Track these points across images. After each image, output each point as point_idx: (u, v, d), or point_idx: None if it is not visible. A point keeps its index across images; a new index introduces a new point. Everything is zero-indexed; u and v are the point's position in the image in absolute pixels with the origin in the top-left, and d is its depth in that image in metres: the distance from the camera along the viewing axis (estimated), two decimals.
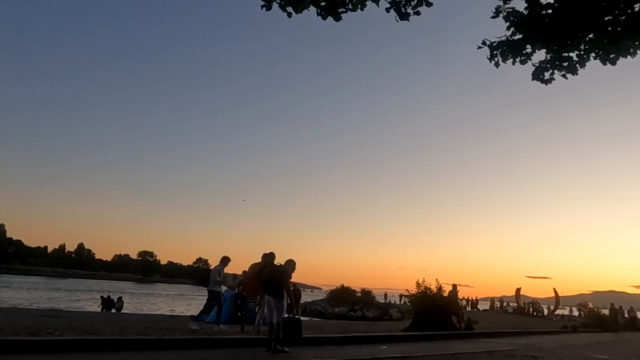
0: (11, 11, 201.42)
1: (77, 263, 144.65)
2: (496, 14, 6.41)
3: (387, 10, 6.12)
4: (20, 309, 17.39)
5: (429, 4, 6.12)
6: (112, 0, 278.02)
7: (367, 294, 36.21)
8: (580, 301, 50.92)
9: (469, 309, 42.11)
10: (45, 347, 7.32)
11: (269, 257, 10.63)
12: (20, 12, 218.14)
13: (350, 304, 33.95)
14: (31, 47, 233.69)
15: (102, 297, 28.29)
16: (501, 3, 6.42)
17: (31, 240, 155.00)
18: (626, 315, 29.56)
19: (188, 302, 46.15)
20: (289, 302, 9.23)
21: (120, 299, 28.11)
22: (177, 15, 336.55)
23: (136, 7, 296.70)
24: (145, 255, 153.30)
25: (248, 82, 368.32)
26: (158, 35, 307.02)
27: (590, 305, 43.22)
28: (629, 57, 6.28)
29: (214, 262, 13.83)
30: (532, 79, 6.67)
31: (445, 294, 16.35)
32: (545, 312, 39.71)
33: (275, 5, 5.93)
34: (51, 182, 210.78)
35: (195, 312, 20.19)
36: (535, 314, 38.85)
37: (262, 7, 5.91)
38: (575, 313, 45.02)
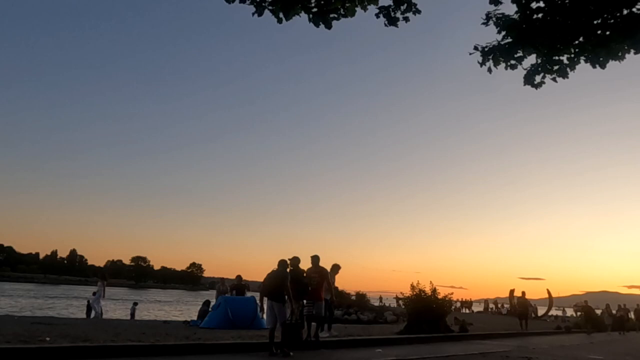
0: None
1: (69, 269, 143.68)
2: (487, 20, 6.45)
3: (377, 15, 6.16)
4: (11, 316, 17.16)
5: (418, 11, 6.16)
6: (97, 2, 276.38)
7: (361, 297, 36.32)
8: (572, 302, 51.13)
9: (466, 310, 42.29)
10: (37, 354, 7.24)
11: (314, 259, 11.14)
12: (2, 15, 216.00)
13: (345, 307, 33.93)
14: (18, 50, 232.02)
15: (88, 301, 28.16)
16: (492, 8, 6.47)
17: (22, 246, 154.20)
18: (615, 312, 29.70)
19: (182, 308, 45.92)
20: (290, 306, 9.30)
21: (135, 304, 28.18)
22: (165, 17, 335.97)
23: (124, 8, 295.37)
24: (139, 261, 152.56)
25: (239, 85, 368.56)
26: (145, 37, 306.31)
27: None
28: (617, 60, 6.35)
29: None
30: (524, 84, 6.70)
31: (440, 296, 16.35)
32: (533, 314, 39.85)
33: (266, 12, 5.93)
34: (42, 187, 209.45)
35: (189, 318, 20.15)
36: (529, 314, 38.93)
37: (253, 13, 5.91)
38: (569, 314, 45.22)
